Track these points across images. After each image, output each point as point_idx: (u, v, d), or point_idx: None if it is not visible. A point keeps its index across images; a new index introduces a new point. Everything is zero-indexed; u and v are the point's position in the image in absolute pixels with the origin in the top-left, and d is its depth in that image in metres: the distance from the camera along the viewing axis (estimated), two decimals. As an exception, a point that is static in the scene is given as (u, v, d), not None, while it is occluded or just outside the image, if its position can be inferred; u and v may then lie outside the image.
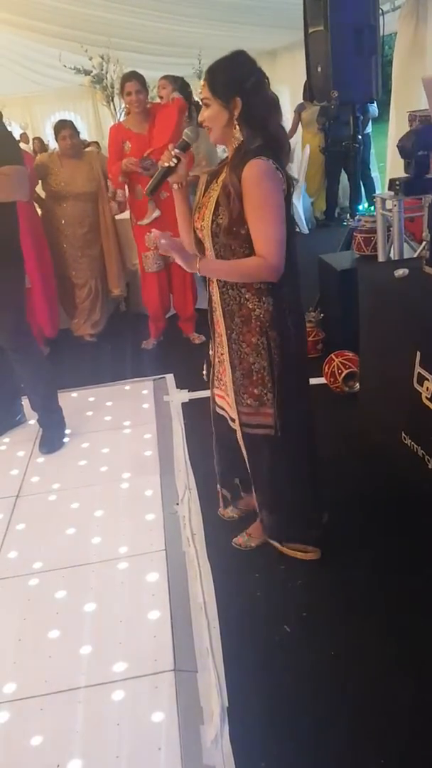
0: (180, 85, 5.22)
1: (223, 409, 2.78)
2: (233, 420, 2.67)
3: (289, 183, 2.37)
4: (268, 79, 2.35)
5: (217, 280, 2.48)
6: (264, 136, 2.30)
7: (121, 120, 5.20)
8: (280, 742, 2.11)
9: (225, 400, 2.73)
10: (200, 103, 2.41)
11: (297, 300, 2.55)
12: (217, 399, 2.82)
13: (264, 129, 2.30)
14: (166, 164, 2.44)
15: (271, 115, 2.33)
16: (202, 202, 2.48)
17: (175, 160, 2.42)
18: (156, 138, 4.77)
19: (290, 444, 2.64)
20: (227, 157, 2.46)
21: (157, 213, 4.94)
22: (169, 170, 2.45)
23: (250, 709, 2.22)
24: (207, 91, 2.30)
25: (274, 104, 2.35)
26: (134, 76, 4.93)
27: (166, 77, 5.26)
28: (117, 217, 5.81)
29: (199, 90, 2.38)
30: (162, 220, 4.83)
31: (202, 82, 2.34)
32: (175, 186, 2.53)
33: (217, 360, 2.73)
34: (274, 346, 2.47)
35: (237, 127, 2.30)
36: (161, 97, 5.22)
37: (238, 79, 2.27)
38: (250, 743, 2.11)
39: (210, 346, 2.77)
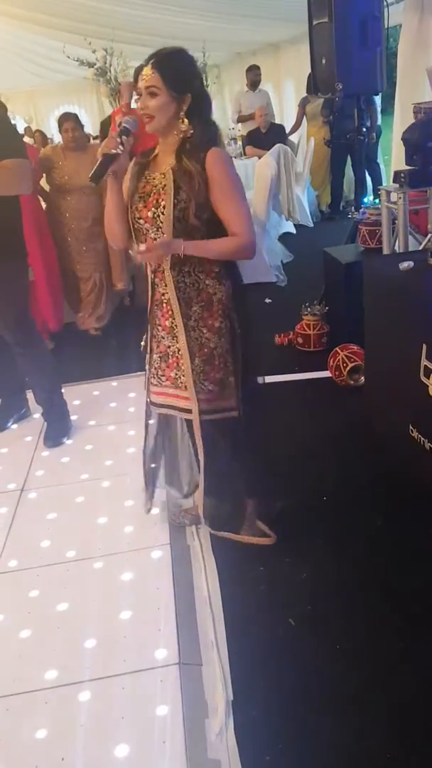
0: None
1: (168, 405, 2.74)
2: (188, 410, 2.65)
3: None
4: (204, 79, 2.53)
5: (171, 269, 2.48)
6: (207, 131, 2.42)
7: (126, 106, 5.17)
8: (285, 735, 2.11)
9: (170, 396, 2.70)
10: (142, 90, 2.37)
11: (241, 280, 2.65)
12: (155, 398, 2.78)
13: (206, 123, 2.43)
14: (112, 151, 2.41)
15: (210, 111, 2.48)
16: (143, 192, 2.46)
17: (121, 147, 2.41)
18: None
19: (251, 423, 2.71)
20: (153, 150, 2.53)
21: None
22: (114, 157, 2.42)
23: (254, 702, 2.22)
24: (158, 80, 2.31)
25: (211, 101, 2.52)
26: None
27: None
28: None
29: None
30: None
31: (149, 70, 2.31)
32: (112, 175, 2.49)
33: (157, 356, 2.69)
34: (237, 326, 2.56)
35: (184, 120, 2.37)
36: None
37: (191, 76, 2.39)
38: (255, 736, 2.11)
39: (148, 343, 2.73)
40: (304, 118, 9.40)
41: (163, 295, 2.57)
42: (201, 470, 2.74)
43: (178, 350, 2.59)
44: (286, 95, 11.06)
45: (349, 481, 3.27)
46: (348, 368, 4.21)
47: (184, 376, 2.61)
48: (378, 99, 8.41)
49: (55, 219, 5.63)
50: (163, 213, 2.40)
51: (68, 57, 9.30)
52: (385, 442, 3.46)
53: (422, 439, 3.05)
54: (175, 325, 2.56)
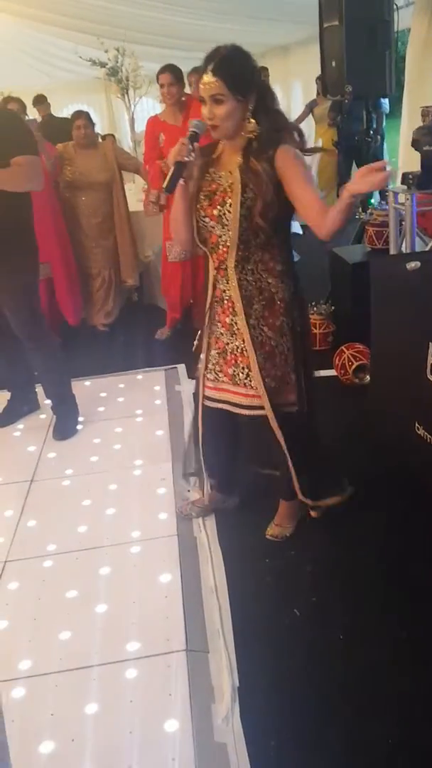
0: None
1: (224, 401, 2.75)
2: (254, 407, 2.67)
3: None
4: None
5: (234, 267, 2.49)
6: (276, 125, 2.39)
7: (158, 113, 5.22)
8: (289, 721, 2.15)
9: (227, 392, 2.72)
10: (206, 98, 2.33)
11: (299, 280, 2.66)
12: (212, 393, 2.79)
13: (274, 119, 2.39)
14: (185, 158, 2.37)
15: (277, 104, 2.45)
16: (208, 190, 2.47)
17: (193, 154, 2.38)
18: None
19: (308, 416, 2.75)
20: (217, 145, 2.52)
21: None
22: (186, 164, 2.40)
23: (260, 689, 2.27)
24: (222, 87, 2.26)
25: (275, 95, 2.46)
26: (168, 69, 4.94)
27: (196, 70, 5.28)
28: (130, 208, 5.85)
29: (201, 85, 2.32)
30: None
31: (211, 77, 2.26)
32: (182, 181, 2.48)
33: (215, 352, 2.71)
34: (297, 325, 2.59)
35: (250, 120, 2.34)
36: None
37: (251, 71, 2.34)
38: (260, 722, 2.15)
39: (206, 339, 2.74)
40: (312, 120, 9.43)
41: (224, 292, 2.59)
42: (286, 454, 2.75)
43: (237, 347, 2.62)
44: (294, 96, 11.10)
45: (354, 477, 3.30)
46: (353, 367, 4.26)
47: (242, 372, 2.64)
48: (386, 102, 8.44)
49: (65, 215, 5.67)
50: (229, 211, 2.41)
51: (80, 57, 9.34)
52: (390, 439, 3.50)
53: (429, 436, 3.10)
54: (235, 323, 2.58)
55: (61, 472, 3.66)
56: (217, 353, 2.71)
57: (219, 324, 2.66)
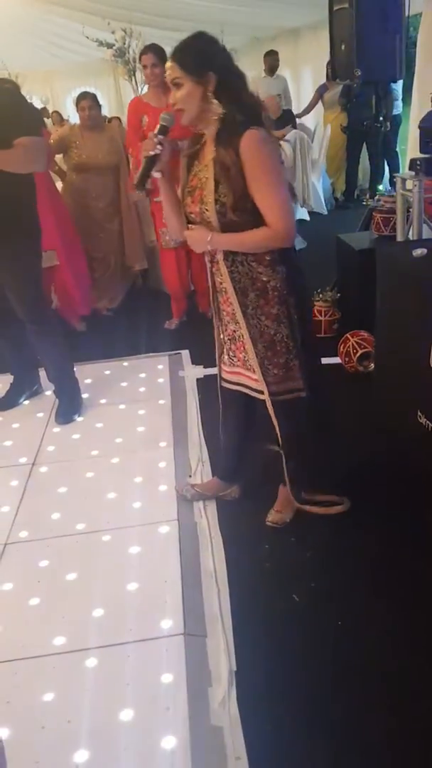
0: None
1: (240, 384, 2.80)
2: (260, 392, 2.70)
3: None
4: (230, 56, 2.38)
5: (224, 260, 2.49)
6: (241, 109, 2.30)
7: (141, 94, 5.17)
8: (286, 705, 2.15)
9: (242, 375, 2.76)
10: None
11: (299, 264, 2.60)
12: (228, 376, 2.85)
13: (239, 101, 2.31)
14: (151, 153, 2.39)
15: (244, 87, 2.35)
16: (191, 186, 2.47)
17: (159, 147, 2.40)
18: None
19: (317, 400, 2.72)
20: (202, 137, 2.47)
21: None
22: (155, 158, 2.41)
23: (257, 673, 2.27)
24: (178, 70, 2.28)
25: (242, 75, 2.36)
26: (151, 49, 4.88)
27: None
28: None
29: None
30: None
31: (170, 63, 2.29)
32: (158, 174, 2.49)
33: (227, 338, 2.75)
34: (294, 312, 2.53)
35: (214, 101, 2.29)
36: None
37: (209, 54, 2.30)
38: (257, 706, 2.15)
39: (215, 326, 2.80)
40: (321, 105, 9.38)
41: (221, 284, 2.60)
42: (280, 441, 2.78)
43: (242, 335, 2.62)
44: (303, 81, 11.02)
45: (356, 464, 3.30)
46: (358, 354, 4.24)
47: (250, 360, 2.65)
48: (399, 87, 8.38)
49: (71, 199, 5.65)
50: (207, 209, 2.40)
51: (87, 38, 9.28)
52: (393, 427, 3.49)
53: (430, 424, 3.08)
54: (237, 312, 2.58)
55: (63, 456, 3.66)
56: (228, 339, 2.74)
57: (224, 312, 2.68)
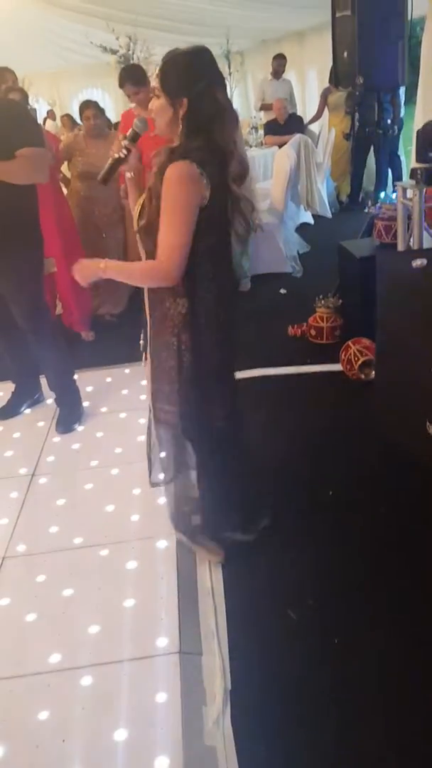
0: None
1: None
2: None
3: (231, 195, 2.34)
4: (224, 84, 2.33)
5: None
6: (204, 142, 2.24)
7: (133, 106, 5.17)
8: (281, 725, 2.15)
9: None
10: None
11: (222, 307, 2.47)
12: None
13: (207, 135, 2.24)
14: (116, 155, 2.42)
15: (217, 122, 2.26)
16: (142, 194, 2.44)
17: (125, 151, 2.40)
18: None
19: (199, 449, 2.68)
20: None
21: None
22: (119, 160, 2.43)
23: (252, 692, 2.27)
24: (158, 82, 2.25)
25: (223, 111, 2.27)
26: (128, 80, 4.88)
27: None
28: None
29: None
30: None
31: (157, 71, 2.28)
32: (128, 174, 2.51)
33: None
34: (184, 349, 2.44)
35: (180, 125, 2.25)
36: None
37: (189, 79, 2.21)
38: (251, 726, 2.15)
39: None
40: (327, 109, 9.36)
41: (143, 297, 2.55)
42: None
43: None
44: (309, 84, 10.99)
45: (356, 475, 3.30)
46: (359, 362, 4.23)
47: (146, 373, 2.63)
48: (402, 91, 8.35)
49: (76, 206, 5.66)
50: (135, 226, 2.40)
51: (92, 43, 9.28)
52: (399, 437, 3.46)
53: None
54: (149, 327, 2.54)
55: (63, 467, 3.67)
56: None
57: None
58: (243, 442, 2.86)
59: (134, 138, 2.42)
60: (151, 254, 2.31)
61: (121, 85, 4.92)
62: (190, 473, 2.77)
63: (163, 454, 2.77)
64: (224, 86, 2.33)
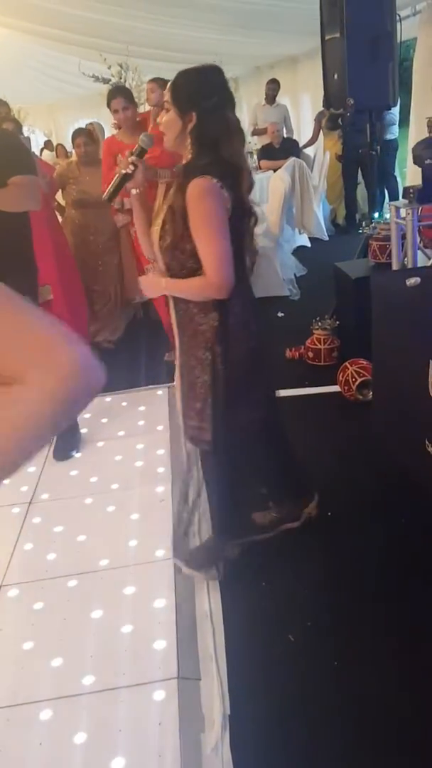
0: None
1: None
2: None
3: (244, 208, 2.42)
4: (233, 103, 2.40)
5: (170, 296, 2.52)
6: (215, 157, 2.31)
7: (115, 133, 5.20)
8: (281, 751, 2.12)
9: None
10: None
11: (250, 315, 2.57)
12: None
13: (215, 151, 2.31)
14: (123, 171, 2.48)
15: (226, 138, 2.33)
16: (157, 215, 2.49)
17: (132, 167, 2.47)
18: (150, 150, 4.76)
19: (226, 465, 2.69)
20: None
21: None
22: (126, 177, 2.49)
23: (251, 717, 2.23)
24: (169, 95, 2.33)
25: (231, 129, 2.35)
26: (120, 93, 4.95)
27: (154, 80, 5.20)
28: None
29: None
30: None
31: (168, 85, 2.37)
32: (134, 191, 2.56)
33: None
34: (219, 362, 2.46)
35: (189, 140, 2.33)
36: (149, 100, 5.20)
37: (199, 94, 2.30)
38: (250, 752, 2.12)
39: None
40: (321, 132, 9.43)
41: (171, 316, 2.60)
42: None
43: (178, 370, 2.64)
44: (303, 108, 11.08)
45: (355, 497, 3.27)
46: (357, 383, 4.22)
47: (177, 394, 2.66)
48: (396, 111, 8.41)
49: (71, 233, 5.68)
50: (154, 243, 2.44)
51: (83, 73, 9.39)
52: (398, 457, 3.44)
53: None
54: (177, 347, 2.60)
55: (60, 494, 3.65)
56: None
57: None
58: (286, 437, 2.95)
59: (141, 154, 2.49)
60: (176, 271, 2.39)
61: (111, 99, 4.91)
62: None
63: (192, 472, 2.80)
64: (233, 105, 2.41)
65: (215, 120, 2.31)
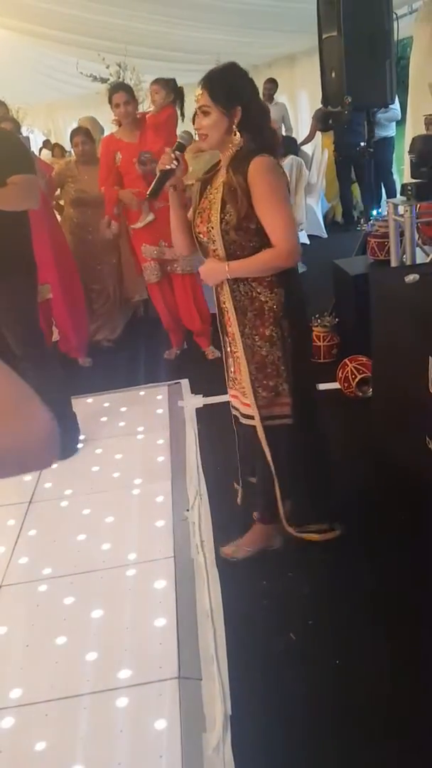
0: (173, 87, 5.06)
1: (236, 408, 2.84)
2: (248, 417, 2.72)
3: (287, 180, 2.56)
4: (257, 89, 2.56)
5: (227, 280, 2.56)
6: (259, 140, 2.45)
7: (114, 131, 5.18)
8: (282, 750, 2.11)
9: (238, 399, 2.79)
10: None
11: (300, 288, 2.71)
12: (232, 399, 2.89)
13: (261, 134, 2.46)
14: (167, 167, 2.54)
15: (266, 121, 2.54)
16: (201, 207, 2.59)
17: (175, 162, 2.54)
18: (149, 146, 4.75)
19: (307, 429, 2.74)
20: (218, 163, 2.59)
21: (151, 217, 4.88)
22: (169, 173, 2.55)
23: (253, 717, 2.22)
24: (207, 99, 2.42)
25: (267, 112, 2.61)
26: (122, 88, 4.95)
27: (157, 81, 5.14)
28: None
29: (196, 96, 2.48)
30: (156, 225, 4.83)
31: (199, 90, 2.43)
32: (171, 189, 2.64)
33: (231, 359, 2.79)
34: (287, 335, 2.58)
35: (236, 133, 2.43)
36: (154, 102, 5.19)
37: (239, 88, 2.44)
38: (252, 752, 2.11)
39: (223, 347, 2.85)
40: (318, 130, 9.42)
41: (223, 303, 2.66)
42: (273, 474, 2.75)
43: (238, 357, 2.67)
44: (300, 106, 11.08)
45: (355, 493, 3.26)
46: (357, 380, 4.21)
47: (243, 381, 2.68)
48: (397, 107, 8.39)
49: (70, 232, 5.67)
50: (213, 228, 2.49)
51: (81, 73, 9.38)
52: (398, 454, 3.43)
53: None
54: (234, 332, 2.64)
55: (60, 493, 3.64)
56: (232, 360, 2.79)
57: (226, 334, 2.75)
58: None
59: (181, 149, 2.56)
60: (237, 249, 2.49)
61: (113, 93, 4.87)
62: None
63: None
64: (258, 91, 2.59)
65: (255, 107, 2.48)
